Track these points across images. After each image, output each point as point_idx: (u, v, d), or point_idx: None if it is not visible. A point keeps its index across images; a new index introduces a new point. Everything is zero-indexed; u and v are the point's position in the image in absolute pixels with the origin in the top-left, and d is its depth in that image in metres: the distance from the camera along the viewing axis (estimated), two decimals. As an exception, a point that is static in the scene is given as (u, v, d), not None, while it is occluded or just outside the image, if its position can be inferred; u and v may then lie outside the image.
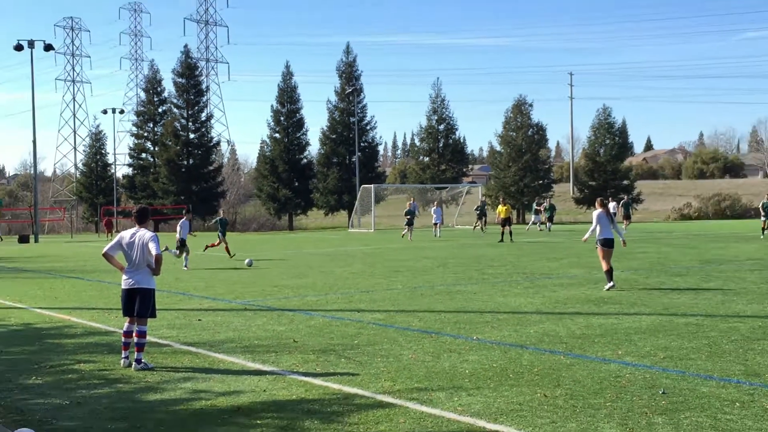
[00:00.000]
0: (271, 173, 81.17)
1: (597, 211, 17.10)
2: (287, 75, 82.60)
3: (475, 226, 51.10)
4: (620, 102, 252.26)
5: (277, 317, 13.70)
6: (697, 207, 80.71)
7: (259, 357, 10.16)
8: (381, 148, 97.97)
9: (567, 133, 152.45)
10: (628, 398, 7.68)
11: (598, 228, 17.03)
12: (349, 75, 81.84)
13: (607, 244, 16.96)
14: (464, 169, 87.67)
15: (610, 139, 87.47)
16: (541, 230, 50.02)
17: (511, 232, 37.95)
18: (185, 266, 24.62)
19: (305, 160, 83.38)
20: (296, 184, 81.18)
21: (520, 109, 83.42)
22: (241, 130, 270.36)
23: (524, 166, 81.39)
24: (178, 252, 25.45)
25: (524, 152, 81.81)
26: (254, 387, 8.53)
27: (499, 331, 11.72)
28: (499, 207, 39.74)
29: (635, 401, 7.56)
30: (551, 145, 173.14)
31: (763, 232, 36.97)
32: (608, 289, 16.48)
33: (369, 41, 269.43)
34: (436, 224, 45.67)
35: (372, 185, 64.08)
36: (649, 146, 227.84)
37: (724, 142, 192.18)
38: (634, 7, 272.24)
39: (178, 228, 25.70)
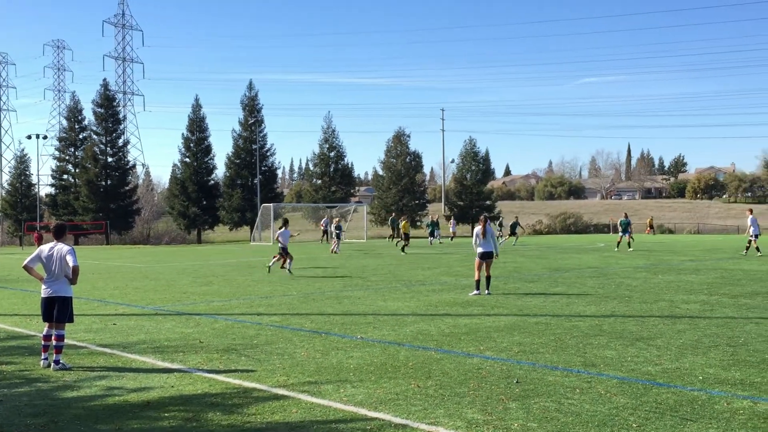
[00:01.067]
0: (182, 193, 79.60)
1: (478, 227, 17.25)
2: (196, 107, 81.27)
3: (391, 238, 52.46)
4: (484, 134, 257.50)
5: (185, 321, 13.38)
6: (547, 224, 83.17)
7: (168, 356, 9.90)
8: (279, 172, 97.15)
9: (440, 160, 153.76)
10: (487, 387, 7.81)
11: (478, 241, 17.23)
12: (252, 108, 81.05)
13: (484, 256, 17.18)
14: (351, 191, 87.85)
15: (476, 165, 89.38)
16: (441, 243, 50.82)
17: (404, 246, 37.85)
18: (289, 270, 24.23)
19: (212, 182, 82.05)
20: (204, 202, 79.86)
21: (400, 139, 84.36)
22: (155, 154, 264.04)
23: (403, 188, 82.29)
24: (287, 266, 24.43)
25: (403, 176, 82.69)
26: (163, 383, 8.30)
27: (380, 331, 11.75)
28: (403, 222, 39.58)
29: (494, 389, 7.69)
30: (426, 170, 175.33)
31: (618, 245, 38.35)
32: (473, 295, 16.77)
33: (269, 78, 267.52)
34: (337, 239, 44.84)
35: (271, 204, 63.50)
36: (507, 172, 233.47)
37: (569, 168, 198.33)
38: (501, 54, 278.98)
39: (280, 238, 25.05)
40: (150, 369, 9.12)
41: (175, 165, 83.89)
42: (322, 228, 57.58)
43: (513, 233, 49.33)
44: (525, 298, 16.20)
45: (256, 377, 8.49)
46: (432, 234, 50.98)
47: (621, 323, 12.21)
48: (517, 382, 8.01)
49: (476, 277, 17.12)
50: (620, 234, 38.56)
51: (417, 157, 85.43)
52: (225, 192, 79.99)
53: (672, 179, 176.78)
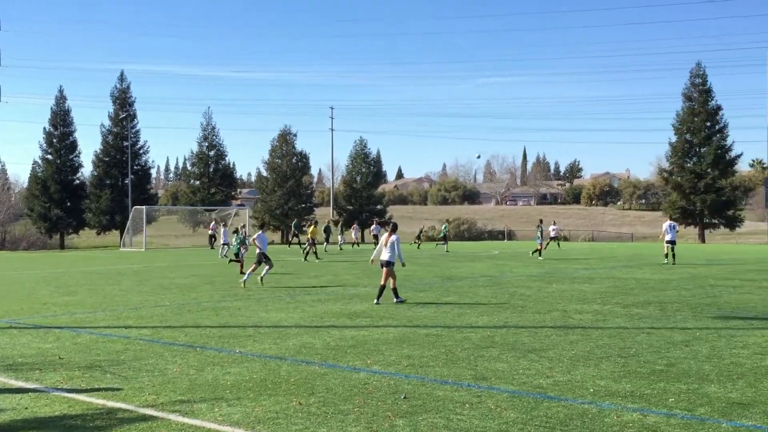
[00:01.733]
0: (43, 193, 76.70)
1: (386, 235, 17.51)
2: (60, 98, 78.57)
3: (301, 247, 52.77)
4: (375, 135, 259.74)
5: (43, 335, 12.88)
6: (440, 228, 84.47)
7: (22, 375, 9.50)
8: (154, 171, 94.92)
9: (328, 161, 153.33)
10: (373, 403, 7.85)
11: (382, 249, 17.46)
12: (123, 101, 78.94)
13: (385, 264, 17.39)
14: (233, 193, 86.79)
15: (366, 167, 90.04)
16: (341, 249, 50.87)
17: (316, 252, 37.51)
18: (261, 279, 22.79)
19: (78, 181, 79.50)
20: (68, 204, 77.19)
21: (286, 138, 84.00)
22: (12, 150, 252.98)
23: (289, 191, 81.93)
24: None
25: (289, 178, 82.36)
26: (15, 405, 7.96)
27: (261, 344, 11.65)
28: (311, 228, 38.29)
29: (380, 406, 7.75)
30: (314, 172, 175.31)
31: (536, 253, 39.11)
32: (377, 303, 17.11)
33: (143, 69, 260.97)
34: (226, 244, 43.47)
35: (144, 206, 62.01)
36: (400, 175, 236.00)
37: (464, 172, 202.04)
38: (393, 50, 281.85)
39: (258, 242, 23.00)
40: (1, 389, 8.73)
41: (35, 162, 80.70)
42: (210, 232, 56.79)
43: (327, 239, 52.00)
44: (415, 308, 16.40)
45: (122, 396, 8.26)
46: (327, 240, 51.23)
47: (513, 334, 12.52)
48: (404, 397, 8.09)
49: (381, 282, 17.59)
50: (539, 242, 39.45)
51: (304, 158, 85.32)
52: (92, 193, 77.52)
53: (567, 185, 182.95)
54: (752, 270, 28.77)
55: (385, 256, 17.43)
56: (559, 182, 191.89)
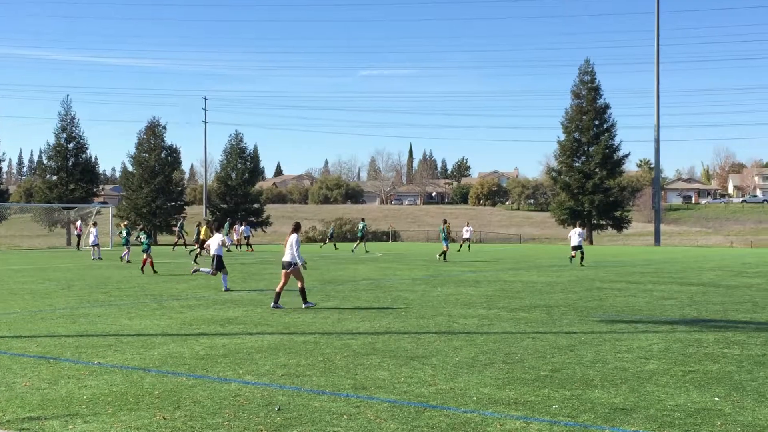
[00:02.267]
0: None
1: (293, 236, 17.46)
2: None
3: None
4: (253, 128, 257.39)
5: None
6: (321, 230, 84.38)
7: None
8: (4, 165, 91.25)
9: (201, 156, 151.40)
10: (245, 416, 7.77)
11: (286, 251, 17.35)
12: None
13: (285, 266, 17.32)
14: (95, 189, 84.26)
15: (242, 163, 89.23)
16: (229, 251, 49.68)
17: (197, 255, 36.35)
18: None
19: None
20: None
21: (154, 130, 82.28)
22: None
23: (157, 188, 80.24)
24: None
25: (157, 174, 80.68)
26: None
27: (122, 354, 11.35)
28: (203, 228, 36.56)
29: (252, 419, 7.67)
30: (185, 167, 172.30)
31: (442, 256, 38.68)
32: (274, 308, 17.12)
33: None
34: (96, 245, 41.66)
35: (-7, 203, 59.45)
36: (279, 171, 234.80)
37: (347, 170, 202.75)
38: (266, 39, 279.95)
39: (229, 241, 21.26)
40: None
41: None
42: (77, 232, 55.03)
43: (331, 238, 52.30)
44: (293, 314, 16.34)
45: (-38, 415, 7.88)
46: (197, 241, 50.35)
47: (396, 341, 12.64)
48: (278, 409, 8.03)
49: (277, 289, 17.46)
50: (445, 243, 38.74)
51: (174, 152, 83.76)
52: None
53: (455, 184, 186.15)
54: (638, 272, 29.99)
55: (286, 257, 17.35)
56: (447, 181, 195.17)
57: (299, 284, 17.56)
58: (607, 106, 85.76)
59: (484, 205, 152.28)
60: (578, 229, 35.37)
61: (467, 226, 50.26)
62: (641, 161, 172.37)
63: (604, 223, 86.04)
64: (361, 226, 50.35)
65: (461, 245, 48.68)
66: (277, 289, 17.50)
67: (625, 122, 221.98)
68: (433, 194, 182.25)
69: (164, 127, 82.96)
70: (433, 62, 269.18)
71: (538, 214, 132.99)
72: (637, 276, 27.92)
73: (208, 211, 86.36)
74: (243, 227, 54.61)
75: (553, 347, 12.00)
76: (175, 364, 10.59)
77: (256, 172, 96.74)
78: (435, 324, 14.71)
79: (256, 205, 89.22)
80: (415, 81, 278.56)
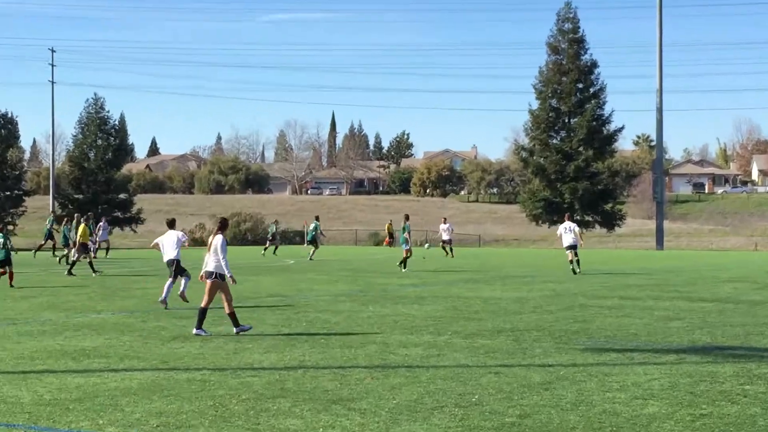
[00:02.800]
0: None
1: (218, 237, 17.63)
2: None
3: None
4: (118, 91, 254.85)
5: None
6: (212, 229, 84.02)
7: None
8: None
9: (47, 128, 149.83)
10: (107, 483, 7.70)
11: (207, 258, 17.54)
12: None
13: (208, 276, 17.54)
14: None
15: (103, 138, 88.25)
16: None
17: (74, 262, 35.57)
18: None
19: None
20: None
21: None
22: None
23: (-14, 172, 78.98)
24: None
25: (-14, 152, 79.41)
26: None
27: (-63, 401, 11.15)
28: (81, 227, 35.56)
29: (116, 486, 7.60)
30: (25, 143, 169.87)
31: (402, 264, 38.70)
32: (197, 334, 17.18)
33: None
34: None
35: None
36: (154, 150, 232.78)
37: (247, 148, 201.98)
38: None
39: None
40: None
41: None
42: None
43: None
44: (173, 343, 16.23)
45: None
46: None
47: (312, 378, 12.63)
48: (153, 473, 7.98)
49: (203, 303, 17.56)
50: (405, 247, 38.64)
51: (10, 123, 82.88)
52: None
53: (393, 167, 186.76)
54: (634, 285, 30.45)
55: (210, 265, 17.29)
56: (382, 163, 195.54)
57: (227, 306, 17.48)
58: (594, 64, 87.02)
59: (432, 195, 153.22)
60: (568, 223, 36.14)
61: (444, 223, 50.73)
62: (639, 137, 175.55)
63: (590, 219, 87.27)
64: (312, 226, 53.55)
65: (444, 248, 49.12)
66: (202, 305, 17.52)
67: (618, 85, 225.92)
68: (364, 181, 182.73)
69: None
70: (364, 3, 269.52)
71: (504, 208, 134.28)
72: (634, 290, 28.34)
73: (56, 203, 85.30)
74: (101, 224, 54.08)
75: (522, 385, 12.12)
76: (10, 413, 10.44)
77: (123, 151, 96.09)
78: (365, 355, 14.73)
79: (122, 196, 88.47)
80: (339, 28, 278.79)
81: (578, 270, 35.65)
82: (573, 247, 35.70)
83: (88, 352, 15.21)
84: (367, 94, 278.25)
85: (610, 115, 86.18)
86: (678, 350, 15.44)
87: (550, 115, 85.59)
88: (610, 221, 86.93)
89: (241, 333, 17.32)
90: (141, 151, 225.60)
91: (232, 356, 14.66)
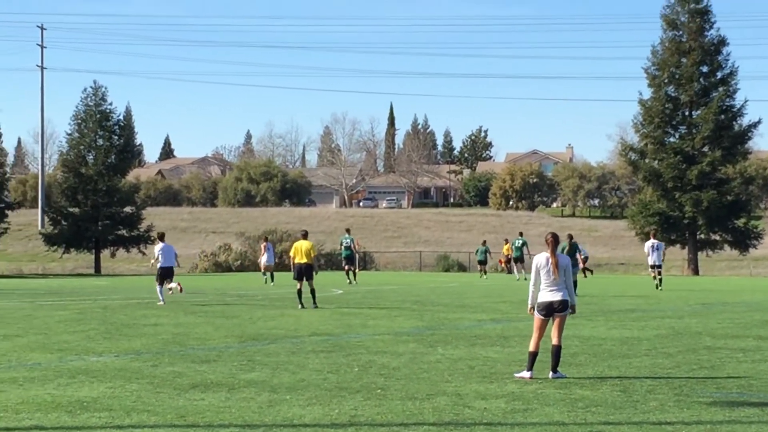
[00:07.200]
0: None
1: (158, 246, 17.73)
2: None
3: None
4: (123, 79, 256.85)
5: None
6: (240, 251, 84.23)
7: None
8: None
9: (36, 125, 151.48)
10: None
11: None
12: None
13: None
14: None
15: (105, 138, 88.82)
16: None
17: None
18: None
19: None
20: None
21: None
22: None
23: (-40, 179, 79.97)
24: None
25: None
26: None
27: None
28: None
29: None
30: (8, 143, 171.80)
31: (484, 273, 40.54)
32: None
33: None
34: None
35: None
36: (168, 152, 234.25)
37: (284, 149, 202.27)
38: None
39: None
40: None
41: None
42: None
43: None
44: (192, 392, 16.28)
45: None
46: None
47: (367, 438, 12.61)
48: None
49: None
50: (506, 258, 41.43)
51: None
52: None
53: (467, 172, 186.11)
54: (776, 322, 30.12)
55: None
56: (452, 168, 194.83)
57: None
58: (722, 42, 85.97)
59: (516, 207, 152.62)
60: (654, 241, 37.68)
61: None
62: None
63: (717, 238, 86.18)
64: (348, 240, 55.68)
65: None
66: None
67: (753, 69, 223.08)
68: (431, 190, 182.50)
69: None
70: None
71: (607, 224, 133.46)
72: (774, 328, 28.07)
73: (46, 218, 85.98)
74: None
75: (632, 448, 12.03)
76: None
77: (129, 153, 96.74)
78: (433, 409, 14.70)
79: (128, 209, 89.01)
80: (399, 1, 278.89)
81: (661, 287, 38.76)
82: (659, 267, 37.87)
83: (86, 404, 15.29)
84: (434, 80, 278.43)
85: (742, 106, 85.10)
86: (833, 405, 15.25)
87: (667, 106, 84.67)
88: (744, 241, 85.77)
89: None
90: (151, 153, 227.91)
91: (266, 410, 14.68)
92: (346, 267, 56.61)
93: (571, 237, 42.35)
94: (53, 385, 17.15)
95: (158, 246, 38.05)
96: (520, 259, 58.59)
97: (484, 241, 46.54)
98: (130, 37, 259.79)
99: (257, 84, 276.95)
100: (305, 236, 35.63)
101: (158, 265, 37.15)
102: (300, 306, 34.40)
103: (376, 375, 18.32)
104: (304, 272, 34.49)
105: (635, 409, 14.80)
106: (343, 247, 56.27)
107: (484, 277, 64.54)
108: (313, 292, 34.58)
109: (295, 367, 19.50)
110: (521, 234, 52.95)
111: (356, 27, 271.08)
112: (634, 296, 42.52)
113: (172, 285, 36.96)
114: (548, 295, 18.18)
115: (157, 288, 36.96)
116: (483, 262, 64.92)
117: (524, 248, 54.94)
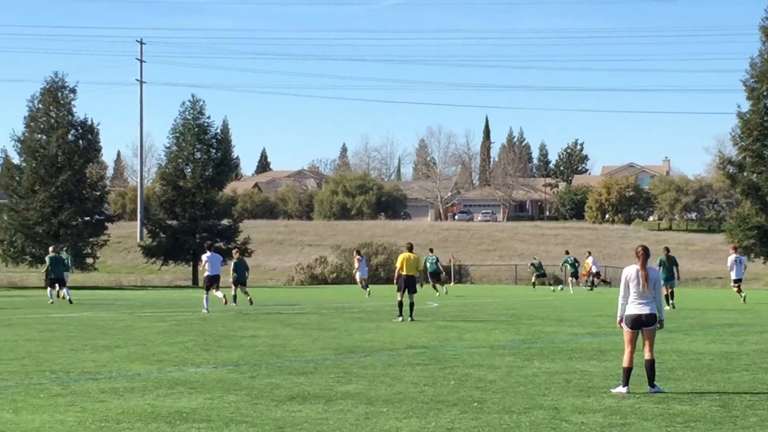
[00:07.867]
0: None
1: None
2: None
3: None
4: (221, 93, 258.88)
5: None
6: (336, 264, 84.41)
7: None
8: None
9: (135, 139, 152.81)
10: None
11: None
12: None
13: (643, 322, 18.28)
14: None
15: (203, 151, 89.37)
16: None
17: None
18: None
19: None
20: None
21: (56, 96, 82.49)
22: None
23: (61, 192, 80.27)
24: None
25: (61, 168, 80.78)
26: None
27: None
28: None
29: None
30: (108, 157, 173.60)
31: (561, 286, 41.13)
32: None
33: None
34: None
35: None
36: (264, 165, 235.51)
37: (379, 162, 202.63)
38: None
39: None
40: None
41: None
42: None
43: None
44: (290, 403, 16.33)
45: None
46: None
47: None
48: None
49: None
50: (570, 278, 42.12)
51: (90, 132, 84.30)
52: None
53: (562, 185, 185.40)
54: None
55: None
56: (548, 181, 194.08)
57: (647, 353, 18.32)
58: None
59: (612, 221, 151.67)
60: (736, 255, 37.98)
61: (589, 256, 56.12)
62: None
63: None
64: (434, 259, 61.22)
65: (590, 280, 53.10)
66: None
67: None
68: (526, 203, 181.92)
69: (73, 91, 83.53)
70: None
71: (704, 237, 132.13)
72: None
73: (145, 230, 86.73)
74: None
75: (733, 464, 11.90)
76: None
77: (227, 167, 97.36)
78: (530, 423, 14.65)
79: (225, 221, 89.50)
80: (490, 12, 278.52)
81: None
82: (740, 281, 38.08)
83: (185, 414, 15.40)
84: (530, 93, 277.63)
85: None
86: None
87: (766, 119, 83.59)
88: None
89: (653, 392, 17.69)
90: (248, 166, 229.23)
91: (363, 422, 14.70)
92: (432, 282, 60.16)
93: (668, 250, 42.62)
94: (153, 396, 17.29)
95: (205, 255, 42.04)
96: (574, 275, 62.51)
97: (567, 251, 47.30)
98: (227, 52, 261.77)
99: (353, 97, 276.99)
100: (410, 249, 36.17)
101: (205, 274, 41.12)
102: (400, 318, 34.58)
103: (472, 388, 18.29)
104: (411, 285, 34.89)
105: (735, 424, 14.65)
106: (428, 264, 59.28)
107: (560, 288, 67.02)
108: (412, 305, 34.80)
109: (391, 379, 19.52)
110: (567, 252, 54.12)
111: (451, 40, 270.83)
112: (732, 310, 42.07)
113: (219, 294, 41.16)
114: (636, 308, 18.15)
115: (204, 296, 40.46)
116: (575, 275, 65.87)
117: (565, 266, 57.44)
